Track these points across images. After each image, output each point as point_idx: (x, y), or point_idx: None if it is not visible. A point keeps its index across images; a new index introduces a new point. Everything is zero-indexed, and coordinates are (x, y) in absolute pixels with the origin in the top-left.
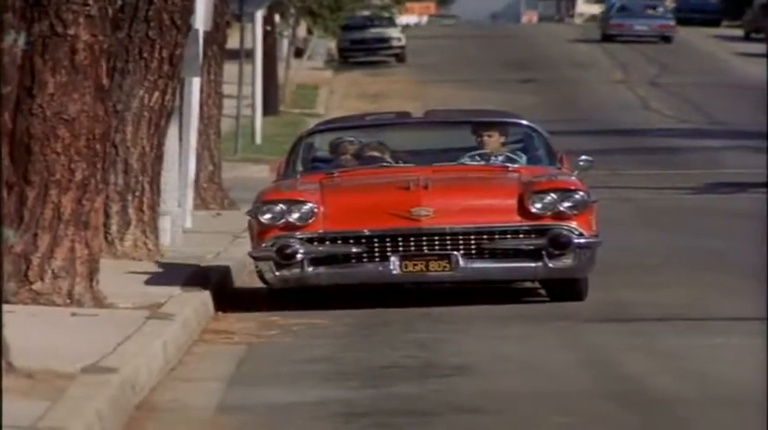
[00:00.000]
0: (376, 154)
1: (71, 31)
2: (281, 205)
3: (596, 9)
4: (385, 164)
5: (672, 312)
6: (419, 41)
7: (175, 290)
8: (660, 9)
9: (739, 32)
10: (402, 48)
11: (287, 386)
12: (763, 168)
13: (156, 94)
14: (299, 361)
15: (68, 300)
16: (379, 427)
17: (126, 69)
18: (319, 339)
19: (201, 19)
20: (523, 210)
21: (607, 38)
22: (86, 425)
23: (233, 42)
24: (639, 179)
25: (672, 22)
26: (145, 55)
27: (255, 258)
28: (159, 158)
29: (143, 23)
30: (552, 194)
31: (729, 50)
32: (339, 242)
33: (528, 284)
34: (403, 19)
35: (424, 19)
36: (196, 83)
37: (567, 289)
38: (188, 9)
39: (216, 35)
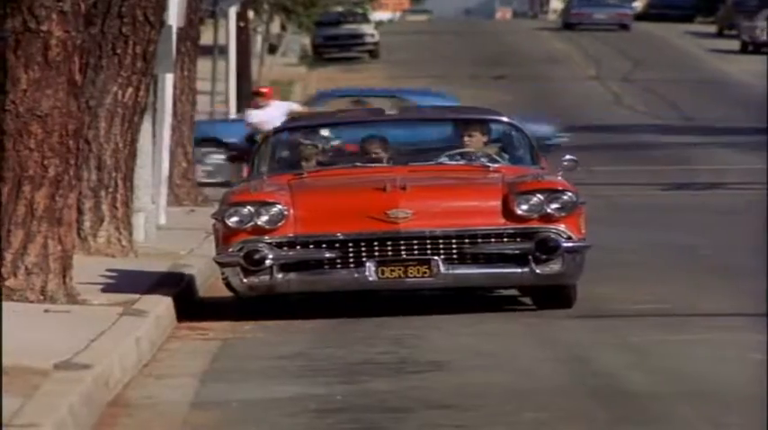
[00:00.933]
0: (378, 151)
1: (44, 27)
2: (248, 207)
3: (557, 4)
4: (357, 163)
5: (645, 308)
6: (393, 37)
7: (149, 286)
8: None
9: (712, 29)
10: (376, 44)
11: (261, 382)
12: (735, 165)
13: (130, 90)
14: (274, 357)
15: (41, 297)
16: (353, 423)
17: (99, 65)
18: (294, 335)
19: (175, 15)
20: (508, 212)
21: (568, 26)
22: (59, 421)
23: (206, 38)
24: (613, 175)
25: (629, 11)
26: (118, 51)
27: (221, 264)
28: (133, 155)
29: (116, 19)
30: (539, 195)
31: (702, 47)
32: (311, 247)
33: (513, 291)
34: (377, 15)
35: (398, 15)
36: (169, 79)
37: (554, 297)
38: (161, 5)
39: (189, 31)
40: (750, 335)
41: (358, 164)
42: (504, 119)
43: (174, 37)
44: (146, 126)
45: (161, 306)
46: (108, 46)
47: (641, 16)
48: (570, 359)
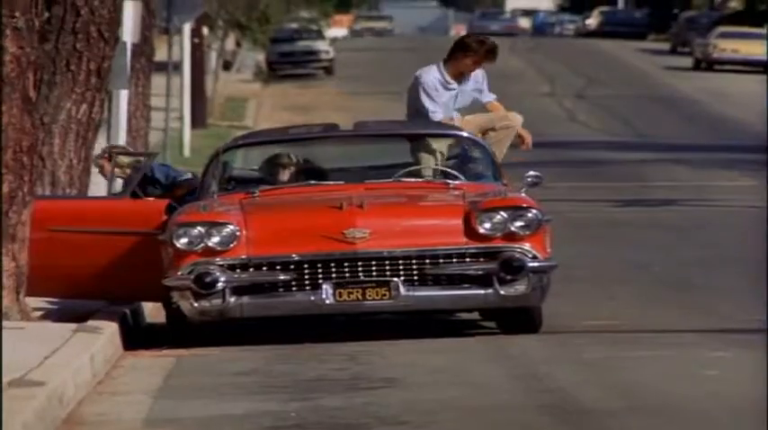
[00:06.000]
0: (289, 166)
1: None
2: (198, 228)
3: (525, 22)
4: (311, 181)
5: (598, 324)
6: (348, 54)
7: (102, 303)
8: (508, 16)
9: (665, 46)
10: (330, 60)
11: (215, 399)
12: (687, 181)
13: (84, 106)
14: (228, 373)
15: None
16: None
17: (53, 81)
18: (248, 352)
19: (129, 31)
20: (470, 231)
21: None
22: None
23: (161, 55)
24: (566, 192)
25: (516, 24)
26: (72, 67)
27: (170, 288)
28: (87, 171)
29: (70, 35)
30: (502, 213)
31: (656, 64)
32: (265, 269)
33: (474, 315)
34: (331, 32)
35: (349, 32)
36: (124, 95)
37: (519, 319)
38: (116, 21)
39: (144, 47)
40: (703, 352)
41: (312, 182)
42: (465, 134)
43: (129, 53)
44: (100, 142)
45: (114, 322)
46: (62, 62)
47: (595, 33)
48: (524, 375)
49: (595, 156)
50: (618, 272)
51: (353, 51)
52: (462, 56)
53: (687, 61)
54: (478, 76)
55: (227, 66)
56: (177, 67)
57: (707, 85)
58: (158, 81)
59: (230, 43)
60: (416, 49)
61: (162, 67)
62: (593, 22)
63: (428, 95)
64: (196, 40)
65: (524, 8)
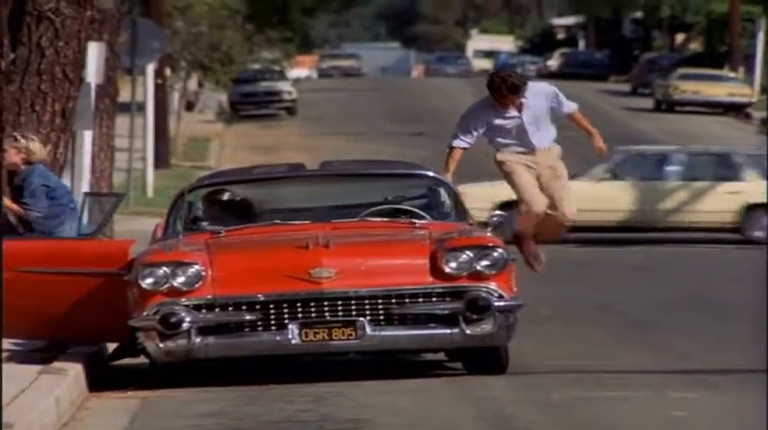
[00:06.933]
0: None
1: None
2: (164, 268)
3: (486, 64)
4: (277, 221)
5: (564, 364)
6: (311, 94)
7: (68, 344)
8: (464, 60)
9: (626, 87)
10: (293, 101)
11: None
12: None
13: (49, 147)
14: (193, 415)
15: None
16: None
17: (18, 122)
18: (214, 393)
19: (94, 72)
20: (436, 271)
21: (430, 75)
22: None
23: (124, 95)
24: None
25: (470, 68)
26: (37, 108)
27: (135, 328)
28: None
29: (35, 77)
30: (468, 252)
31: (616, 105)
32: (230, 309)
33: (440, 355)
34: (294, 72)
35: (314, 74)
36: (88, 136)
37: (485, 359)
38: (80, 62)
39: (108, 88)
40: (669, 393)
41: (278, 221)
42: (430, 173)
43: (93, 94)
44: (64, 182)
45: (80, 364)
46: (27, 103)
47: (556, 74)
48: (491, 417)
49: None
50: (584, 311)
51: (316, 92)
52: (491, 93)
53: (648, 102)
54: (549, 93)
55: (189, 106)
56: (141, 107)
57: (668, 126)
58: (122, 121)
59: (193, 84)
60: (378, 89)
61: (125, 108)
62: (554, 63)
63: (465, 121)
64: (159, 81)
65: (485, 50)
